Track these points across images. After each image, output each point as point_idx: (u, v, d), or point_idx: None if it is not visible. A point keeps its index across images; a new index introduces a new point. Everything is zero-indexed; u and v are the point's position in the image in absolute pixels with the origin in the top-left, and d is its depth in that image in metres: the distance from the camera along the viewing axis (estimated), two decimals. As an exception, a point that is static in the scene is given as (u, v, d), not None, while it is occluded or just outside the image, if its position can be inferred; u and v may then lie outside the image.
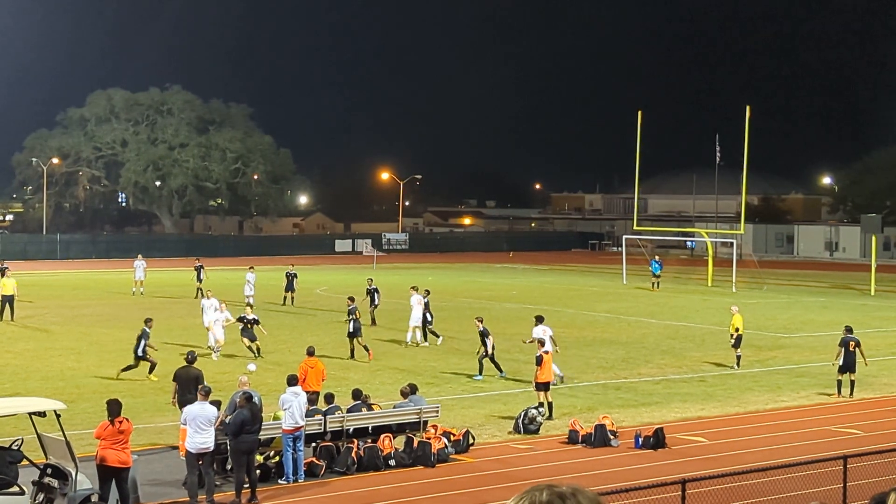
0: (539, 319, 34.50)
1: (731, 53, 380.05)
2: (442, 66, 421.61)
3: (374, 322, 47.06)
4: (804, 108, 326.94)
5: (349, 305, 39.64)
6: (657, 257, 71.89)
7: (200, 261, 62.50)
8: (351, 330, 38.50)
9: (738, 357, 37.51)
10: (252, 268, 56.61)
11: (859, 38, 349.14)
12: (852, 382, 32.62)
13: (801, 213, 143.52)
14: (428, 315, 42.78)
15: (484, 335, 34.85)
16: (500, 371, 34.89)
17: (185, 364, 26.35)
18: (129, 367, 33.19)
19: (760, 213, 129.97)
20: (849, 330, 33.27)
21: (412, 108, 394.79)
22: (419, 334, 41.97)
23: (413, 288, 43.25)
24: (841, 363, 32.46)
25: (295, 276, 56.67)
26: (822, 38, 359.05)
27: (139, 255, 65.06)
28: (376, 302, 48.24)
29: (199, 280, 59.09)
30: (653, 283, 69.16)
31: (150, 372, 33.14)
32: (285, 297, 55.79)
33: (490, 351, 34.79)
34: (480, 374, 34.72)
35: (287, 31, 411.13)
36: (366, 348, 38.17)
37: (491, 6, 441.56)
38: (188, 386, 25.03)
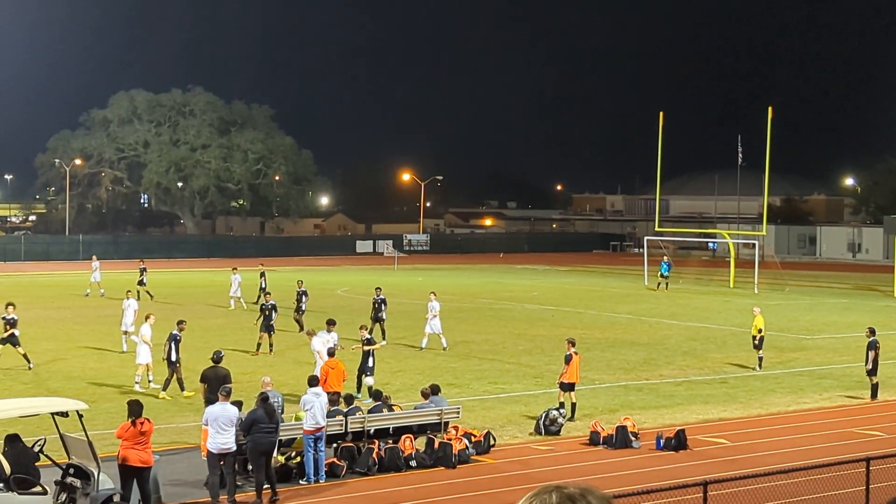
0: (330, 323, 32.93)
1: (753, 54, 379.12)
2: (464, 67, 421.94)
3: (301, 328, 43.70)
4: (827, 109, 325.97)
5: (268, 301, 40.64)
6: (665, 258, 71.67)
7: (144, 262, 62.07)
8: (270, 324, 39.38)
9: (760, 359, 37.33)
10: (235, 269, 56.24)
11: (883, 38, 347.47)
12: (875, 385, 32.44)
13: (823, 214, 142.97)
14: (383, 314, 42.82)
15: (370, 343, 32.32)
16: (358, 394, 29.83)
17: (212, 364, 26.49)
18: None
19: (783, 214, 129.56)
20: (872, 331, 32.98)
21: (434, 110, 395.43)
22: (424, 341, 41.03)
23: (432, 293, 42.93)
24: (871, 367, 32.22)
25: (263, 274, 56.28)
26: (844, 38, 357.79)
27: (94, 256, 64.70)
28: (303, 307, 45.72)
29: (142, 283, 58.27)
30: (658, 284, 69.30)
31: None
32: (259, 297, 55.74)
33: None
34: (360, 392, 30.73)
35: (308, 33, 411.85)
36: (271, 346, 39.18)
37: (514, 7, 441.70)
38: (216, 386, 24.97)
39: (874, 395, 32.18)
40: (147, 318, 33.78)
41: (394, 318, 46.40)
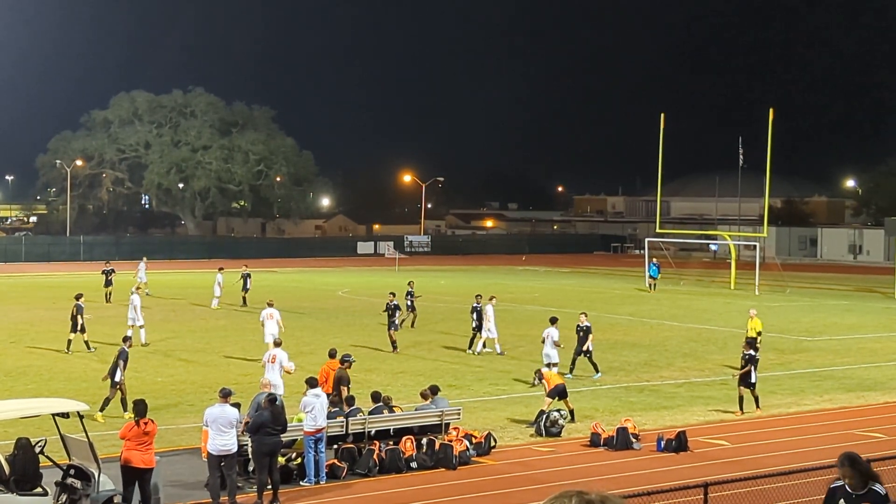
0: (552, 321, 35.42)
1: (754, 56, 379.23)
2: (465, 68, 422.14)
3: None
4: (828, 111, 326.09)
5: (392, 301, 41.85)
6: (654, 260, 71.60)
7: (110, 264, 61.32)
8: (393, 321, 41.27)
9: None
10: (221, 269, 56.30)
11: (883, 41, 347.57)
12: (755, 398, 30.31)
13: (824, 216, 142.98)
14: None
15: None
16: None
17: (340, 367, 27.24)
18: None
19: (783, 215, 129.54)
20: (750, 344, 31.19)
21: (435, 111, 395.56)
22: (492, 345, 40.72)
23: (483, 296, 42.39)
24: (753, 379, 30.09)
25: (249, 276, 56.52)
26: (845, 40, 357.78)
27: (144, 258, 64.52)
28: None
29: (110, 284, 58.17)
30: (650, 285, 69.36)
31: None
32: (243, 298, 55.59)
33: None
34: None
35: (309, 34, 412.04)
36: (394, 344, 40.67)
37: (514, 9, 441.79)
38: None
39: (757, 405, 30.20)
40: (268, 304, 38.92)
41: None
